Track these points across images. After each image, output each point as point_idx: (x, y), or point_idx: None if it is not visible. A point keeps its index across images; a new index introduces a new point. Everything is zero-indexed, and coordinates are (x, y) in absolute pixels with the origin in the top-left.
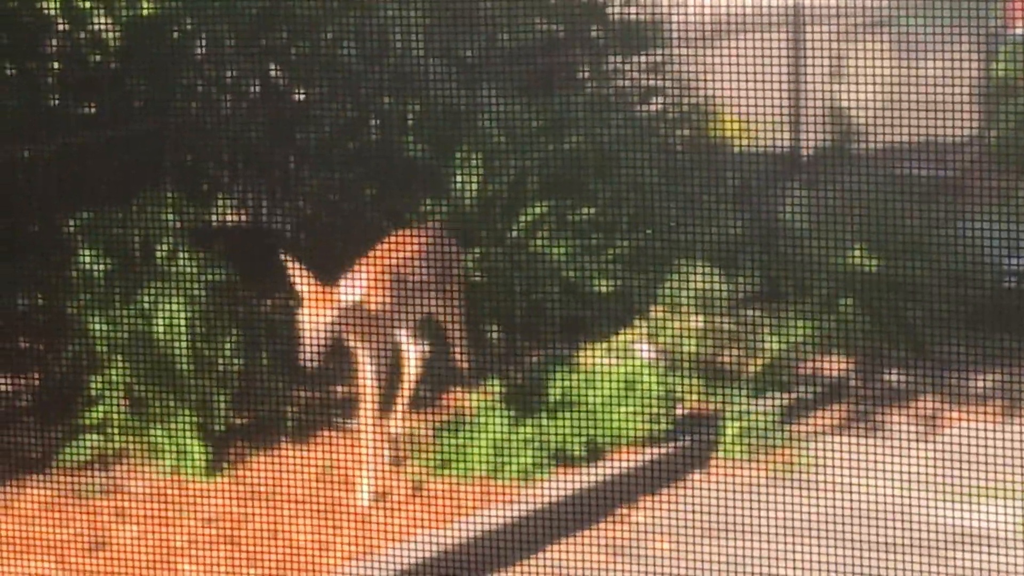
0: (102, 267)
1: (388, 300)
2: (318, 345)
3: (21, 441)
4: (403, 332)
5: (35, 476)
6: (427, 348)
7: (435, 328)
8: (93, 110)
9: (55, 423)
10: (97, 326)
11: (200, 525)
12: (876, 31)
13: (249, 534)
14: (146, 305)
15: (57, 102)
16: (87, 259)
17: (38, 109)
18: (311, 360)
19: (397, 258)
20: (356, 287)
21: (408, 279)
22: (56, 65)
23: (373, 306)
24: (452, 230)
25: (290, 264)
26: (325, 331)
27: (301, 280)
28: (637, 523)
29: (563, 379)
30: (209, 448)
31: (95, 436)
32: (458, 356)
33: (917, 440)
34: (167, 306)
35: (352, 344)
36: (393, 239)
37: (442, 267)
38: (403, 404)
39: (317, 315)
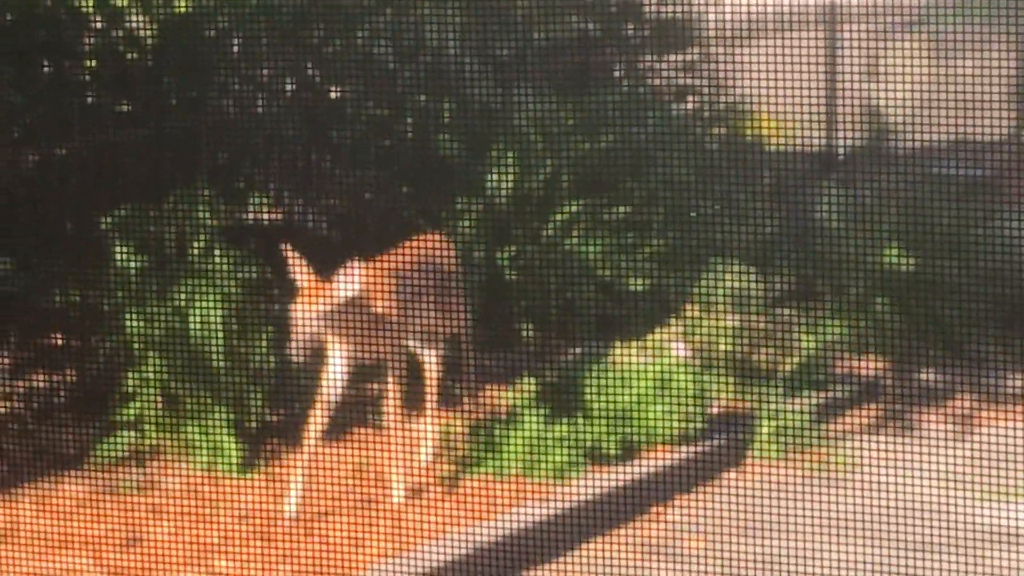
0: (137, 264)
1: (393, 303)
2: (307, 339)
3: (57, 437)
4: (416, 335)
5: (71, 472)
6: (442, 350)
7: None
8: (128, 107)
9: (90, 420)
10: (132, 323)
11: (234, 521)
12: (912, 29)
13: (283, 531)
14: (181, 302)
15: (92, 99)
16: (122, 256)
17: (74, 107)
18: (298, 353)
19: (401, 263)
20: (351, 282)
21: (409, 286)
22: (92, 63)
23: (379, 308)
24: (456, 241)
25: (289, 255)
26: (315, 324)
27: (298, 272)
28: (671, 522)
29: (597, 378)
30: (243, 445)
31: (130, 433)
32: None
33: (952, 440)
34: (201, 303)
35: (355, 346)
36: (401, 247)
37: (442, 279)
38: (431, 403)
39: (309, 308)
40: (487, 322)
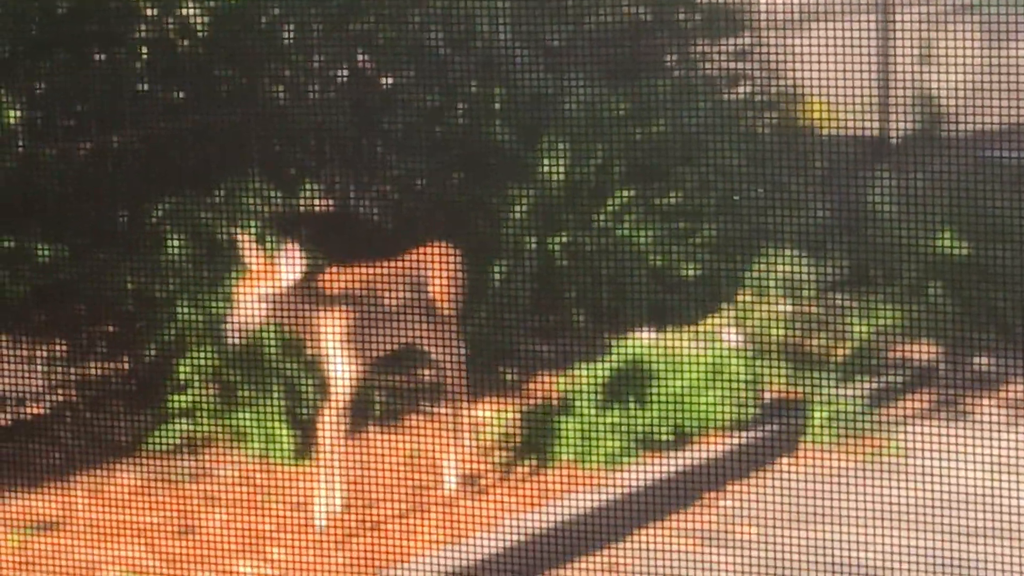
0: (189, 253)
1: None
2: (247, 319)
3: (111, 426)
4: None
5: (124, 461)
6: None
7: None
8: (180, 97)
9: (144, 409)
10: (185, 312)
11: (288, 510)
12: (965, 15)
13: (337, 519)
14: (233, 291)
15: (144, 89)
16: (174, 246)
17: (126, 96)
18: (235, 334)
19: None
20: (295, 265)
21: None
22: (144, 52)
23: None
24: (460, 249)
25: (243, 239)
26: (259, 305)
27: (249, 254)
28: (724, 509)
29: (649, 365)
30: (297, 433)
31: (183, 421)
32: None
33: (1006, 426)
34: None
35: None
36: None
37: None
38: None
39: (254, 288)
40: (539, 310)
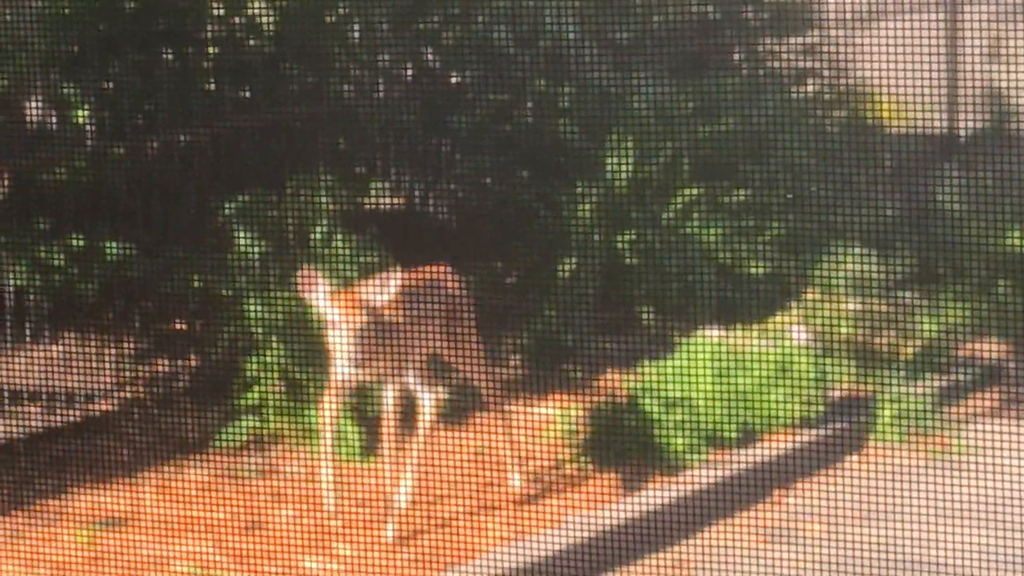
0: (258, 250)
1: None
2: (355, 354)
3: (179, 423)
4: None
5: (193, 458)
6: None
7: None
8: (248, 94)
9: (212, 405)
10: (253, 309)
11: (355, 506)
12: None
13: (403, 516)
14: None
15: (213, 87)
16: (243, 243)
17: (194, 94)
18: (352, 369)
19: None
20: (382, 291)
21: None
22: (212, 50)
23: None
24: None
25: (304, 277)
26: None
27: (318, 292)
28: (791, 506)
29: (717, 362)
30: (363, 430)
31: (251, 418)
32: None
33: None
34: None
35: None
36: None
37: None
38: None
39: (347, 322)
40: (606, 307)
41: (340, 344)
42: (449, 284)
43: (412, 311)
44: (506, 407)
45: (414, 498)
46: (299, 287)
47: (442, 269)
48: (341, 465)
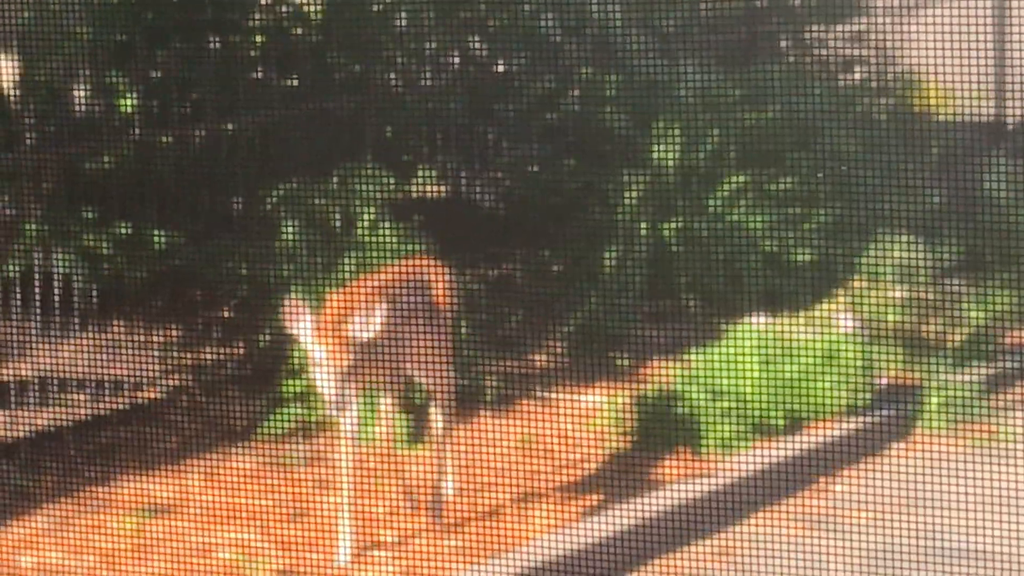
0: (304, 238)
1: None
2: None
3: (226, 411)
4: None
5: (239, 445)
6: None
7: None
8: (295, 83)
9: (258, 394)
10: (300, 297)
11: (401, 494)
12: None
13: (449, 503)
14: (348, 275)
15: (259, 75)
16: (289, 231)
17: (241, 83)
18: (338, 406)
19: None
20: (368, 324)
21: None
22: (258, 39)
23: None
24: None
25: (290, 307)
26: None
27: (304, 325)
28: (837, 494)
29: (763, 350)
30: (410, 418)
31: (297, 406)
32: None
33: None
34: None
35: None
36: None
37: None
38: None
39: (333, 362)
40: (652, 295)
41: (324, 385)
42: (433, 277)
43: (397, 313)
44: (552, 394)
45: (459, 487)
46: (284, 319)
47: (426, 262)
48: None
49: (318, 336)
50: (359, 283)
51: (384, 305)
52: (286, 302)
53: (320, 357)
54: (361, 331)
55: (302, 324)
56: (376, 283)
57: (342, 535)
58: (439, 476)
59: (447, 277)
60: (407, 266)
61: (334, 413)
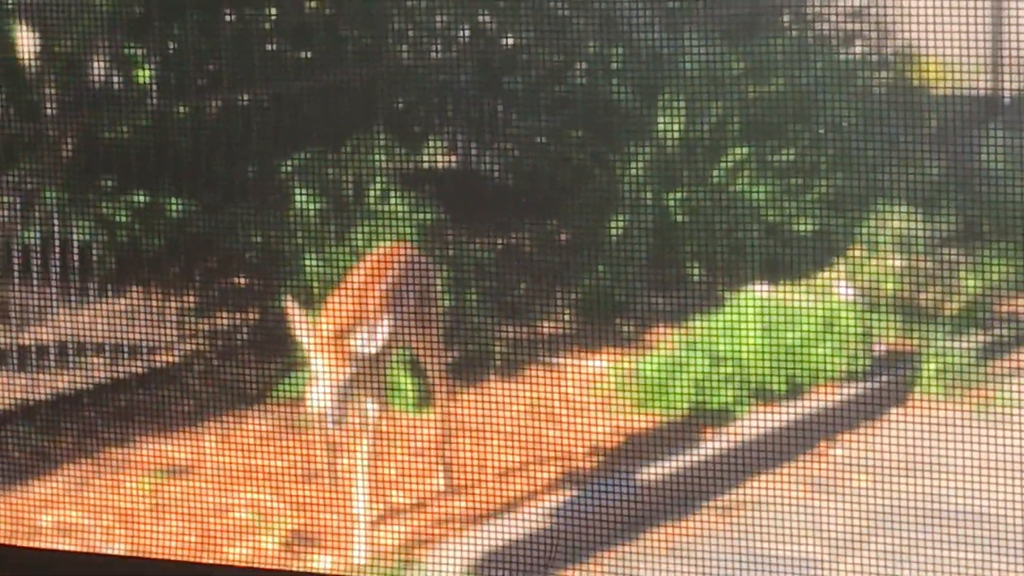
0: (316, 207)
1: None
2: (339, 406)
3: (240, 375)
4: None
5: (252, 408)
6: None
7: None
8: (308, 56)
9: (271, 358)
10: (312, 264)
11: (410, 456)
12: None
13: (458, 464)
14: (360, 244)
15: (273, 48)
16: (302, 200)
17: (255, 55)
18: (337, 419)
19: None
20: (373, 337)
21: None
22: (272, 12)
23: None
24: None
25: (291, 310)
26: (342, 391)
27: (303, 332)
28: (836, 458)
29: (764, 318)
30: (419, 383)
31: (309, 371)
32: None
33: None
34: (379, 245)
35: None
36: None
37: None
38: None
39: (333, 373)
40: (656, 263)
41: (320, 399)
42: (412, 262)
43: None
44: (557, 360)
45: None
46: (288, 321)
47: (405, 246)
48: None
49: (318, 347)
50: (351, 278)
51: (386, 319)
52: (287, 307)
53: (320, 369)
54: (365, 346)
55: (301, 330)
56: (367, 278)
57: (356, 497)
58: (444, 441)
59: (424, 262)
60: (387, 255)
61: (331, 427)
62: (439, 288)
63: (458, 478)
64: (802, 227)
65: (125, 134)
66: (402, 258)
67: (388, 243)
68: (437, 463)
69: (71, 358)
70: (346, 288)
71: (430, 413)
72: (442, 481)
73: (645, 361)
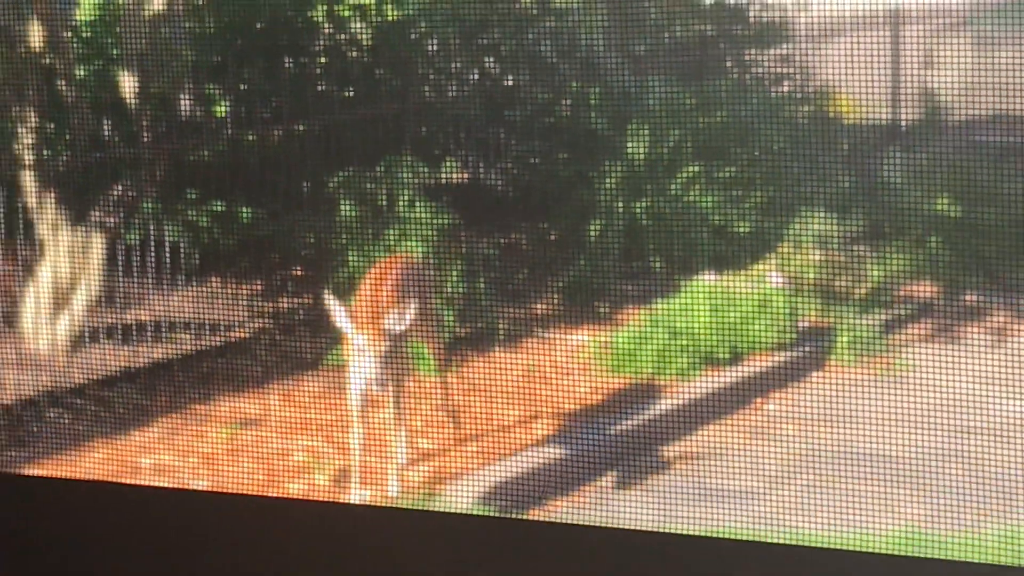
0: (357, 215)
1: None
2: (381, 372)
3: (298, 346)
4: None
5: (308, 373)
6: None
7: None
8: (351, 94)
9: (323, 333)
10: (353, 259)
11: (432, 411)
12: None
13: (470, 418)
14: (391, 242)
15: (323, 88)
16: (345, 209)
17: (308, 93)
18: (381, 382)
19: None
20: (402, 318)
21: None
22: (322, 59)
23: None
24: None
25: (330, 300)
26: (382, 361)
27: (345, 316)
28: (769, 412)
29: (712, 300)
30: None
31: (349, 347)
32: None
33: (988, 347)
34: (407, 244)
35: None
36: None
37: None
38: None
39: (375, 347)
40: (627, 258)
41: (366, 368)
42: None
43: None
44: (548, 334)
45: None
46: (327, 310)
47: (403, 257)
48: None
49: (359, 328)
50: (369, 278)
51: (412, 302)
52: (326, 299)
53: (360, 344)
54: (396, 325)
55: (341, 318)
56: (381, 277)
57: (395, 442)
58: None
59: (418, 266)
60: (391, 262)
61: (377, 389)
62: (432, 283)
63: (468, 428)
64: (741, 229)
65: (206, 156)
66: (402, 264)
67: (388, 255)
68: (448, 417)
69: (164, 333)
70: (368, 285)
71: (442, 376)
72: (459, 427)
73: (618, 335)
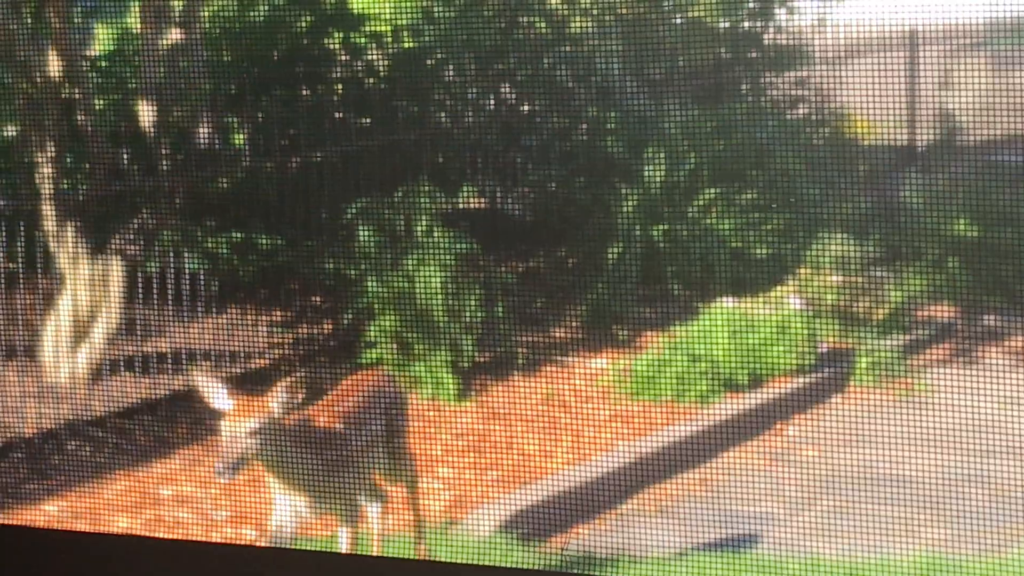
0: (375, 241)
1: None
2: (235, 458)
3: (317, 375)
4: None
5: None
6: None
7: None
8: (368, 122)
9: (342, 362)
10: (372, 286)
11: (452, 439)
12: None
13: (489, 445)
14: (410, 269)
15: (340, 116)
16: (364, 235)
17: (326, 122)
18: (230, 470)
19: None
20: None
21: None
22: (339, 88)
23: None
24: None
25: (200, 379)
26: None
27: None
28: (790, 435)
29: (731, 324)
30: (459, 379)
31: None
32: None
33: (1011, 369)
34: (425, 270)
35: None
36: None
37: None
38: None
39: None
40: (645, 282)
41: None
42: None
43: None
44: (567, 359)
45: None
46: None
47: (379, 374)
48: (442, 407)
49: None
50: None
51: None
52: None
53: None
54: (277, 406)
55: (215, 394)
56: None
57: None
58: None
59: (393, 386)
60: (362, 379)
61: (219, 471)
62: (406, 412)
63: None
64: (760, 252)
65: (224, 185)
66: (373, 382)
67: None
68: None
69: (184, 363)
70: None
71: (469, 403)
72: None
73: (637, 360)
